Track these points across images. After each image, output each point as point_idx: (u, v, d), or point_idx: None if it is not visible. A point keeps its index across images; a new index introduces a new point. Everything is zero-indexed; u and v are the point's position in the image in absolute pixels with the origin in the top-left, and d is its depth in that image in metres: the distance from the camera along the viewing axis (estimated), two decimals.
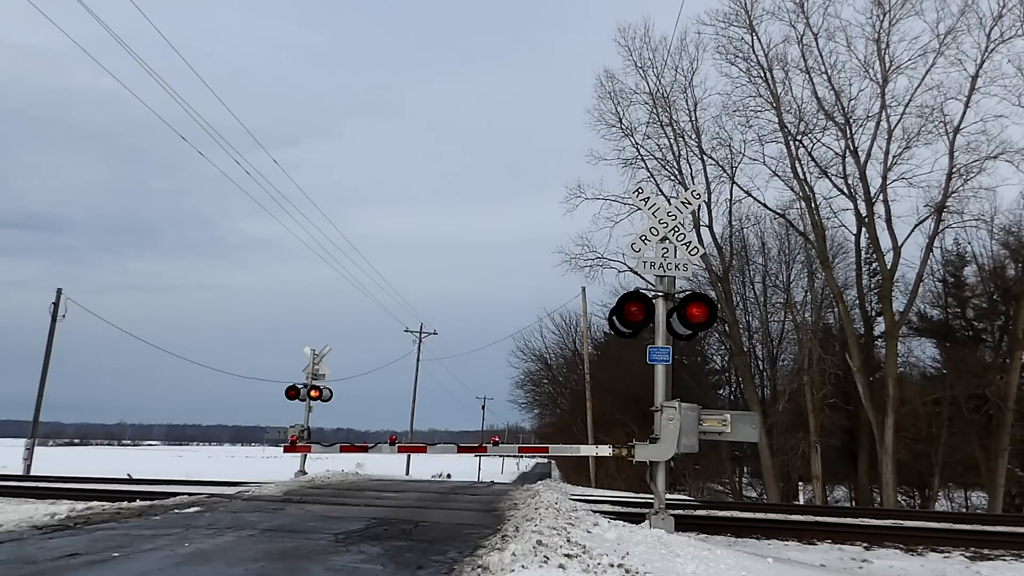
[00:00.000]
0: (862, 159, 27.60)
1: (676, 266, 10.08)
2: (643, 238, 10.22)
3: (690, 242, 10.27)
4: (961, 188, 26.59)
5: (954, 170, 26.44)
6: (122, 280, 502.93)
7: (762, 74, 28.58)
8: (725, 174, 30.23)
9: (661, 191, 29.84)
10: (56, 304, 30.25)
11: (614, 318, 10.45)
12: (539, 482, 21.52)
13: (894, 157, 27.17)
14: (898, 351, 28.38)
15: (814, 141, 28.42)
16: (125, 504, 9.75)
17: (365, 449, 13.27)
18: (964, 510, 31.47)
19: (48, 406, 30.88)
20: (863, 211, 27.84)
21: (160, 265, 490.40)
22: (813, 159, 28.48)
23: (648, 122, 30.39)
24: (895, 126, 27.24)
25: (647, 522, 9.33)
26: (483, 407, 79.52)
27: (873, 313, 33.09)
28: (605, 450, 11.17)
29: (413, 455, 39.10)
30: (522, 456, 55.40)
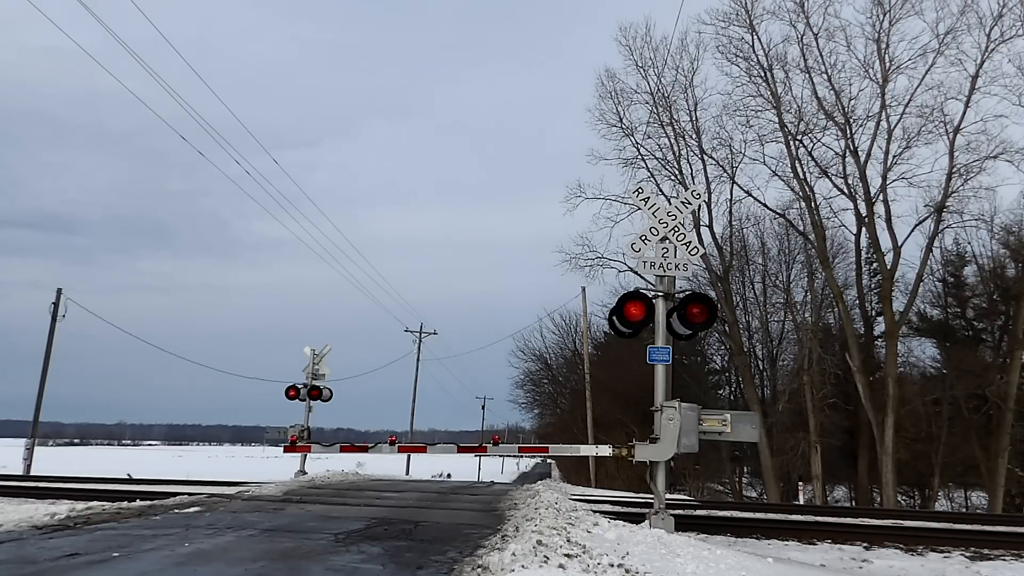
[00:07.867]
0: (862, 159, 27.63)
1: (676, 266, 10.08)
2: (643, 238, 10.21)
3: (690, 242, 10.27)
4: (961, 188, 26.64)
5: (954, 170, 26.46)
6: (133, 280, 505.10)
7: (762, 74, 28.63)
8: (725, 174, 30.27)
9: (661, 191, 29.86)
10: (56, 304, 30.24)
11: (614, 318, 10.45)
12: (539, 482, 21.53)
13: (894, 157, 27.23)
14: (898, 351, 28.38)
15: (814, 141, 28.48)
16: (125, 504, 9.73)
17: (365, 449, 13.27)
18: (964, 510, 31.47)
19: (48, 406, 30.93)
20: (863, 211, 27.86)
21: (172, 266, 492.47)
22: (813, 159, 28.53)
23: (648, 122, 30.45)
24: (895, 126, 27.31)
25: (647, 522, 9.33)
26: (483, 407, 79.60)
27: (873, 313, 33.12)
28: (605, 450, 11.16)
29: (413, 455, 39.09)
30: (522, 456, 55.37)
